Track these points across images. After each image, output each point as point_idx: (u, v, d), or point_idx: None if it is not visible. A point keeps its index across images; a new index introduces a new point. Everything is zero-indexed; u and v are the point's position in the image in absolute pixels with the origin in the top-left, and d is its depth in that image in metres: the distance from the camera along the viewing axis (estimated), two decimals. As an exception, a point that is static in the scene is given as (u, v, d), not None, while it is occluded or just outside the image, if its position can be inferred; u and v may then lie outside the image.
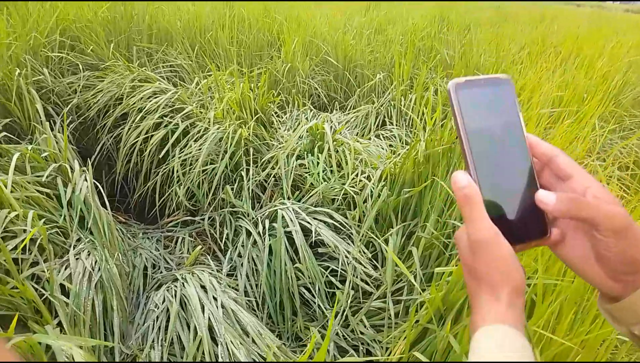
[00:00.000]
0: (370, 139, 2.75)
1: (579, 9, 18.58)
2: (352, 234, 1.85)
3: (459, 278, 1.23)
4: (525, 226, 0.43)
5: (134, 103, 2.37)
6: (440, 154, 1.93)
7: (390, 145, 2.64)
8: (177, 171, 2.08)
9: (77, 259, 1.39)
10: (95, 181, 1.74)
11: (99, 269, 1.39)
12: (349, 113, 3.29)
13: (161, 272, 1.74)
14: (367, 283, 1.72)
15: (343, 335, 1.61)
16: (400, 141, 2.73)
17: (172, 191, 2.08)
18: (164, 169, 2.14)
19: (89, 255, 1.42)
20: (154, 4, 4.13)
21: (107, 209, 1.69)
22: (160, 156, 2.19)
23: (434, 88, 3.24)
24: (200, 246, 1.83)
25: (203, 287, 1.52)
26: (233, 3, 4.42)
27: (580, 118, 2.37)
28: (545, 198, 0.41)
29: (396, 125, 2.99)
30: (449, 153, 1.93)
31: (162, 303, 1.46)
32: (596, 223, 0.39)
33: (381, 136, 2.82)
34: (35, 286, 1.25)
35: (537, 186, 0.44)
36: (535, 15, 8.97)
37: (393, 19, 5.51)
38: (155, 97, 2.41)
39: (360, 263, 1.75)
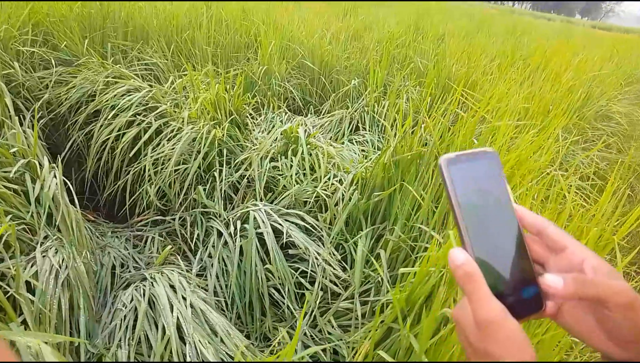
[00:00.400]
0: (343, 143, 2.79)
1: (549, 23, 19.18)
2: (323, 236, 1.88)
3: (421, 278, 1.27)
4: (522, 301, 0.42)
5: (107, 100, 2.34)
6: (409, 160, 1.99)
7: (363, 150, 2.68)
8: (149, 170, 2.07)
9: (44, 256, 1.37)
10: (65, 178, 1.72)
11: (66, 267, 1.37)
12: (323, 117, 3.33)
13: (130, 271, 1.73)
14: (336, 285, 1.76)
15: (311, 335, 1.64)
16: (372, 146, 2.78)
17: (142, 190, 2.07)
18: (135, 168, 2.13)
19: (56, 252, 1.40)
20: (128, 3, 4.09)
21: (75, 207, 1.67)
22: (132, 155, 2.17)
23: (407, 96, 3.31)
24: (170, 246, 1.83)
25: (172, 287, 1.53)
26: (211, 4, 4.42)
27: (544, 129, 2.47)
28: (553, 282, 0.40)
29: (369, 131, 3.05)
30: (418, 160, 1.99)
31: (130, 302, 1.46)
32: (604, 300, 0.39)
33: (354, 141, 2.86)
34: (0, 283, 1.23)
35: (530, 259, 0.44)
36: (508, 27, 9.23)
37: (369, 26, 5.59)
38: (129, 95, 2.39)
39: (330, 265, 1.79)
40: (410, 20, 6.09)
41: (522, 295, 0.42)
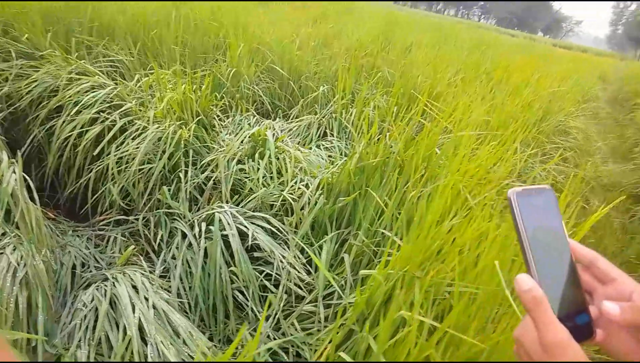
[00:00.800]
0: (311, 148, 2.82)
1: (512, 39, 19.93)
2: (288, 239, 1.90)
3: (380, 282, 1.31)
4: (576, 327, 0.45)
5: (70, 96, 2.29)
6: (374, 167, 2.03)
7: (330, 155, 2.72)
8: (112, 169, 2.03)
9: (1, 254, 1.33)
10: (25, 175, 1.67)
11: (25, 265, 1.34)
12: (291, 122, 3.35)
13: (90, 271, 1.69)
14: (300, 288, 1.78)
15: (274, 338, 1.65)
16: (339, 152, 2.82)
17: (105, 189, 2.03)
18: (99, 166, 2.09)
19: (14, 250, 1.37)
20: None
21: (35, 204, 1.63)
22: (95, 153, 2.13)
23: (374, 104, 3.38)
24: (133, 247, 1.80)
25: (134, 287, 1.51)
26: (180, 3, 4.38)
27: (504, 142, 2.57)
28: (611, 309, 0.44)
29: (336, 137, 3.09)
30: (382, 166, 2.04)
31: (91, 302, 1.43)
32: None
33: (322, 146, 2.90)
34: (-47, 280, 1.20)
35: (582, 289, 0.48)
36: (473, 41, 9.53)
37: (339, 34, 5.66)
38: (93, 92, 2.35)
39: (295, 268, 1.81)
40: (379, 30, 6.20)
41: (576, 321, 0.46)
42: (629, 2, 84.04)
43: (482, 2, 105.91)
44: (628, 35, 73.63)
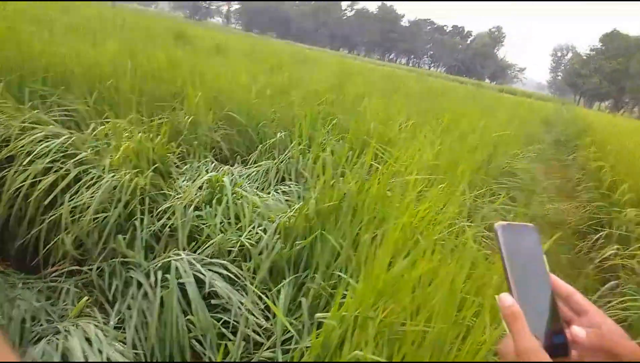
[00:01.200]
0: (269, 193, 2.86)
1: (461, 86, 21.05)
2: (246, 285, 1.91)
3: (333, 326, 1.35)
4: (552, 345, 0.52)
5: (23, 146, 2.27)
6: (329, 210, 2.10)
7: (287, 200, 2.77)
8: (66, 219, 2.00)
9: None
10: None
11: (-31, 321, 1.29)
12: (250, 167, 3.40)
13: (41, 325, 1.63)
14: (258, 334, 1.78)
15: (232, 386, 1.63)
16: (297, 196, 2.88)
17: (58, 239, 1.99)
18: (52, 216, 2.05)
19: (-42, 306, 1.32)
20: (51, 45, 4.02)
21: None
22: (47, 203, 2.10)
23: (330, 149, 3.49)
24: (86, 298, 1.76)
25: (88, 340, 1.47)
26: (136, 53, 4.44)
27: (452, 184, 2.71)
28: (579, 332, 0.52)
29: (294, 181, 3.16)
30: (337, 210, 2.11)
31: (42, 356, 1.38)
32: (618, 355, 0.50)
33: (280, 191, 2.95)
34: None
35: (559, 314, 0.55)
36: (424, 89, 10.02)
37: (295, 83, 5.85)
38: (47, 141, 2.33)
39: (253, 314, 1.81)
40: (334, 79, 6.45)
41: (553, 340, 0.52)
42: (565, 51, 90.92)
43: (431, 52, 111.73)
44: (567, 81, 79.14)
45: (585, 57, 74.66)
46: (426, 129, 4.47)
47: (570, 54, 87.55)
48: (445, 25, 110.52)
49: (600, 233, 3.86)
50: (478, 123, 5.56)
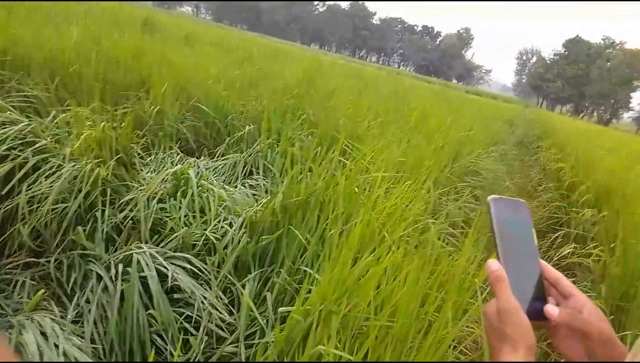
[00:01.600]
0: (236, 187, 2.83)
1: (429, 85, 21.39)
2: (211, 280, 1.88)
3: (297, 320, 1.35)
4: (533, 308, 0.58)
5: (-24, 132, 2.16)
6: (296, 205, 2.10)
7: (255, 194, 2.75)
8: (23, 209, 1.93)
9: None
10: None
11: None
12: (217, 160, 3.36)
13: (-8, 319, 1.57)
14: (221, 329, 1.76)
15: (193, 381, 1.61)
16: (265, 190, 2.86)
17: (15, 229, 1.91)
18: (7, 206, 1.97)
19: None
20: (9, 27, 3.85)
21: None
22: (4, 192, 2.01)
23: (299, 144, 3.48)
24: (43, 291, 1.70)
25: (43, 334, 1.42)
26: (102, 40, 4.31)
27: (418, 181, 2.75)
28: (551, 310, 0.58)
29: (262, 175, 3.14)
30: (304, 205, 2.11)
31: (-9, 352, 1.33)
32: (588, 334, 0.56)
33: (247, 185, 2.92)
34: None
35: (544, 284, 0.61)
36: (393, 87, 10.11)
37: (265, 76, 5.80)
38: (4, 128, 2.23)
39: (216, 309, 1.79)
40: (304, 74, 6.43)
41: (534, 305, 0.58)
42: (530, 55, 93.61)
43: (401, 50, 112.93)
44: (531, 84, 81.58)
45: (549, 62, 77.21)
46: (394, 126, 4.53)
47: (535, 58, 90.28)
48: (415, 25, 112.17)
49: (559, 232, 4.00)
50: (444, 122, 5.66)
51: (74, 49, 3.88)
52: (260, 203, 2.35)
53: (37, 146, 2.22)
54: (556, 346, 0.60)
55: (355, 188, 2.33)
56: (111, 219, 2.08)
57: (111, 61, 3.96)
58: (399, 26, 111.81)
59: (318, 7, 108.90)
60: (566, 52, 73.15)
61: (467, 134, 5.57)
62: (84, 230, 1.96)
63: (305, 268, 1.80)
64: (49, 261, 1.85)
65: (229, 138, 3.68)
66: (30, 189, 2.01)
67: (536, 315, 0.58)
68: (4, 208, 1.97)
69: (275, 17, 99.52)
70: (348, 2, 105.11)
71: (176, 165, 2.75)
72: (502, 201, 0.62)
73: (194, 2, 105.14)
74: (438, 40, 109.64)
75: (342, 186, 2.21)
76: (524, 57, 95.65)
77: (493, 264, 0.59)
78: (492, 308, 0.58)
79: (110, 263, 1.80)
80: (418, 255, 1.84)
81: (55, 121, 2.65)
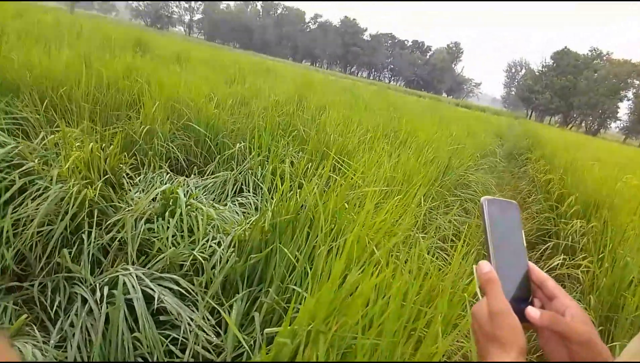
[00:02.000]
0: (226, 205, 2.82)
1: (420, 99, 21.57)
2: (198, 300, 1.86)
3: (284, 342, 1.33)
4: (520, 310, 0.58)
5: (-39, 156, 2.14)
6: (286, 222, 2.08)
7: (244, 212, 2.74)
8: (8, 232, 1.90)
9: None
10: None
11: None
12: (207, 178, 3.34)
13: (-27, 346, 1.53)
14: (208, 351, 1.73)
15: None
16: (255, 208, 2.85)
17: (-3, 253, 1.88)
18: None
19: None
20: (2, 52, 3.85)
21: None
22: (-12, 215, 1.98)
23: (289, 161, 3.48)
24: (25, 315, 1.66)
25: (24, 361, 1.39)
26: (91, 61, 4.32)
27: (407, 196, 2.75)
28: (533, 313, 0.58)
29: (252, 193, 3.12)
30: (294, 222, 2.10)
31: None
32: (568, 337, 0.56)
33: (237, 202, 2.91)
34: None
35: (530, 286, 0.62)
36: (383, 102, 10.18)
37: (256, 94, 5.82)
38: (-11, 151, 2.21)
39: (203, 331, 1.76)
40: (294, 91, 6.47)
41: (521, 306, 0.59)
42: (519, 67, 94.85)
43: (392, 66, 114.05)
44: (520, 96, 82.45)
45: (537, 73, 78.21)
46: (384, 141, 4.54)
47: (523, 70, 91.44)
48: (405, 40, 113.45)
49: (548, 244, 4.00)
50: (434, 136, 5.69)
51: (64, 71, 3.89)
52: (250, 221, 2.33)
53: (24, 168, 2.20)
54: (542, 347, 0.61)
55: (345, 204, 2.32)
56: (98, 240, 2.06)
57: (102, 81, 3.96)
58: (389, 41, 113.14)
59: (309, 24, 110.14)
60: (554, 64, 74.19)
61: (456, 147, 5.60)
62: (70, 252, 1.93)
63: (294, 287, 1.78)
64: (32, 285, 1.82)
65: (219, 156, 3.68)
66: (15, 211, 1.98)
67: (521, 316, 0.58)
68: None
69: (266, 36, 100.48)
70: (339, 19, 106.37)
71: (165, 184, 2.73)
72: (495, 202, 0.63)
73: (186, 21, 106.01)
74: (428, 54, 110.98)
75: (332, 203, 2.20)
76: (513, 70, 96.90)
77: (484, 266, 0.60)
78: (481, 309, 0.59)
79: (95, 285, 1.77)
80: (407, 270, 1.83)
81: (43, 143, 2.63)
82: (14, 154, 2.30)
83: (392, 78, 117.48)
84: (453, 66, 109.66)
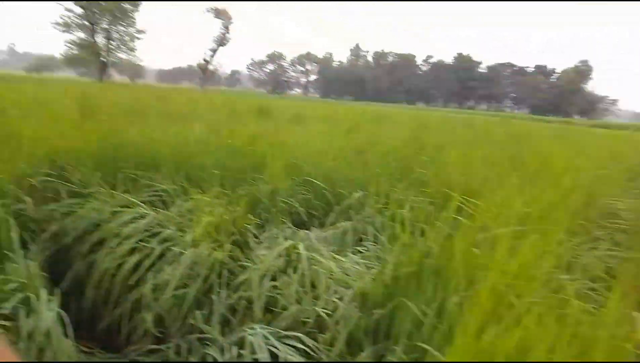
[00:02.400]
0: (346, 256, 2.77)
1: (548, 125, 19.95)
2: (322, 358, 1.79)
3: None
4: None
5: (112, 229, 2.41)
6: (410, 273, 1.95)
7: (365, 263, 2.65)
8: (147, 297, 2.05)
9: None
10: (61, 310, 1.71)
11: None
12: (327, 230, 3.35)
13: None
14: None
15: None
16: (376, 258, 2.75)
17: (140, 317, 2.03)
18: (134, 294, 2.12)
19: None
20: (144, 135, 4.40)
21: (70, 339, 1.65)
22: (132, 282, 2.17)
23: (409, 206, 3.35)
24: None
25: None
26: (220, 133, 4.71)
27: (546, 233, 2.44)
28: None
29: (373, 242, 3.04)
30: (419, 273, 1.95)
31: None
32: None
33: (357, 253, 2.84)
34: None
35: None
36: (507, 133, 9.57)
37: (372, 141, 5.84)
38: (134, 223, 2.46)
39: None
40: (411, 134, 6.37)
41: None
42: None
43: (513, 94, 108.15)
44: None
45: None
46: (513, 175, 4.18)
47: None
48: (527, 66, 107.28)
49: None
50: (570, 163, 5.12)
51: (196, 142, 4.30)
52: (371, 273, 2.24)
53: (161, 235, 2.40)
54: None
55: (475, 249, 2.12)
56: (227, 300, 2.12)
57: (229, 148, 4.30)
58: (508, 70, 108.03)
59: (421, 66, 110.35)
60: None
61: (598, 174, 4.95)
62: (202, 314, 2.01)
63: (423, 345, 1.63)
64: (169, 348, 1.92)
65: (337, 207, 3.68)
66: (155, 277, 2.15)
67: None
68: (131, 297, 2.11)
69: (379, 84, 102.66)
70: (452, 57, 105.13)
71: (288, 239, 2.78)
72: None
73: (303, 83, 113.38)
74: (552, 77, 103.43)
75: (459, 248, 2.02)
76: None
77: None
78: None
79: (224, 346, 1.80)
80: (552, 319, 1.57)
81: (179, 211, 2.87)
82: (153, 224, 2.53)
83: (515, 106, 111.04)
84: (583, 85, 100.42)
